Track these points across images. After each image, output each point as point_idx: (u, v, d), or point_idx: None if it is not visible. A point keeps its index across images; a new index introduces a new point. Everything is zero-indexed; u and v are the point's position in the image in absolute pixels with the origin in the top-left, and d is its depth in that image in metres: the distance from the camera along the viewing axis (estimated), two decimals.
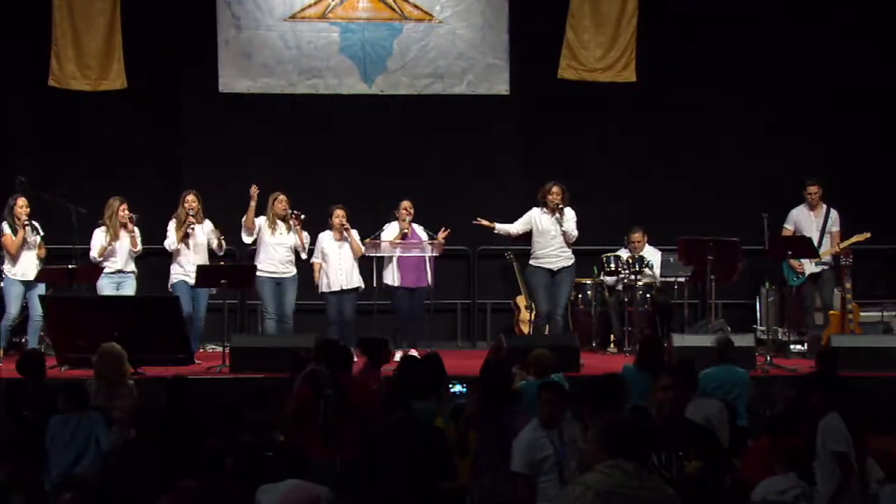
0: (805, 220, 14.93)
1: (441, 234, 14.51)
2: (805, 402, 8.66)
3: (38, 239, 14.15)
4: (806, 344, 14.91)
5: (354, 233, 14.51)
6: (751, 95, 16.85)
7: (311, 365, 10.51)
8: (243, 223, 14.36)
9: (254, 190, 14.25)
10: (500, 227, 14.81)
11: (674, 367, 8.01)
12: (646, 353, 10.89)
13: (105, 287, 14.07)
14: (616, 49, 16.83)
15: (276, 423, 9.81)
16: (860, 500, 7.76)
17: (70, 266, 13.94)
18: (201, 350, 14.15)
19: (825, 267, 14.80)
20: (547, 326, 14.63)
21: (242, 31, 16.70)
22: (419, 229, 14.64)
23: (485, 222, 14.82)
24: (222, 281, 13.70)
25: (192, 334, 14.00)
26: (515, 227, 14.73)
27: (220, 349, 13.77)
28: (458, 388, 10.28)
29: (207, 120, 16.72)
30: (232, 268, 14.34)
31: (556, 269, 14.46)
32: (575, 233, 14.40)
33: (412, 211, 14.59)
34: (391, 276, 14.60)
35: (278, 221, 14.36)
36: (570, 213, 14.42)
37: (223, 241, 14.38)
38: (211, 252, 14.42)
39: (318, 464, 8.43)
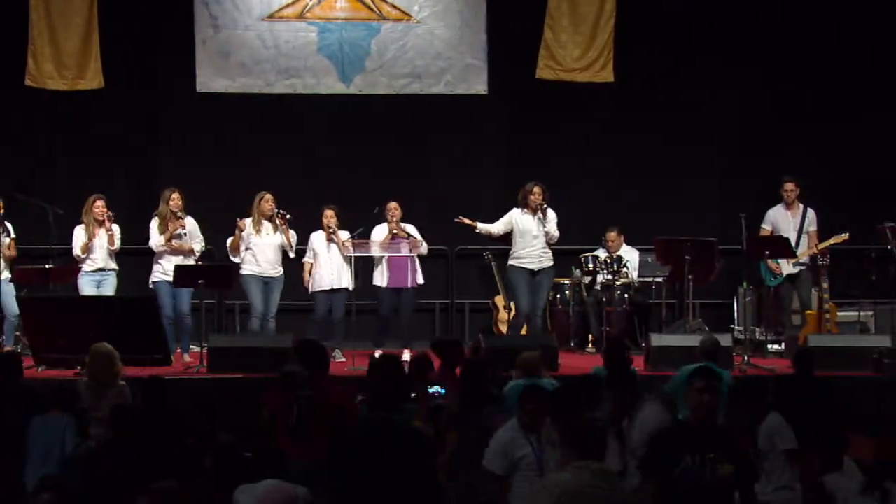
0: (782, 219, 14.96)
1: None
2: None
3: (8, 240, 14.08)
4: (783, 344, 14.95)
5: (344, 234, 14.49)
6: (729, 95, 16.90)
7: (287, 366, 10.53)
8: (229, 246, 14.30)
9: (241, 223, 14.19)
10: (482, 227, 14.80)
11: (705, 369, 7.97)
12: (609, 353, 10.94)
13: (85, 286, 14.01)
14: (594, 49, 16.86)
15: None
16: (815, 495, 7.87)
17: (46, 266, 13.90)
18: (193, 349, 14.03)
19: (802, 268, 14.84)
20: (525, 326, 14.63)
21: (220, 31, 16.67)
22: (412, 230, 14.62)
23: (466, 221, 14.81)
24: (200, 281, 13.65)
25: (180, 333, 14.05)
26: (496, 228, 14.72)
27: (197, 349, 13.73)
28: (436, 388, 10.27)
29: (185, 120, 16.70)
30: (210, 268, 14.27)
31: (536, 270, 14.44)
32: (557, 233, 14.39)
33: (399, 211, 14.58)
34: (380, 277, 14.60)
35: (265, 221, 14.31)
36: (551, 214, 14.40)
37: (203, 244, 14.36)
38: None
39: (293, 464, 8.42)
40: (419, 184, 16.52)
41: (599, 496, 6.44)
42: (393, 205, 14.59)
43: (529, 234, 14.41)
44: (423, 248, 14.48)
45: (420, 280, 14.67)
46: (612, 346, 11.16)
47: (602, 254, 15.69)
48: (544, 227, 14.33)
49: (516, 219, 14.50)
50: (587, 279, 15.69)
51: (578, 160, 16.88)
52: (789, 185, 14.89)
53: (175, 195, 14.17)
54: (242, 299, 14.80)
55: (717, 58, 16.85)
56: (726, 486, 7.08)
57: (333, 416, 9.09)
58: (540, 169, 15.48)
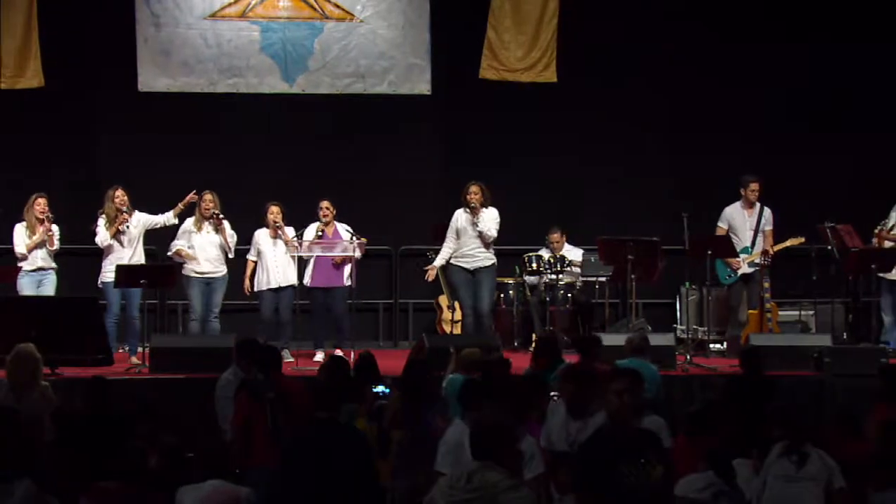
0: (739, 218, 14.98)
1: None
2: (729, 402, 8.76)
3: None
4: (725, 343, 15.02)
5: (290, 230, 14.42)
6: (674, 94, 16.96)
7: (233, 367, 10.49)
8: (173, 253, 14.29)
9: (185, 253, 14.14)
10: (441, 256, 14.56)
11: (626, 370, 7.97)
12: (539, 353, 10.96)
13: (25, 286, 13.87)
14: (537, 49, 16.90)
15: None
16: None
17: None
18: (140, 350, 13.93)
19: (757, 268, 14.89)
20: (473, 325, 14.59)
21: (162, 30, 16.59)
22: (342, 229, 14.57)
23: (431, 270, 14.75)
24: (142, 281, 13.56)
25: (128, 335, 13.95)
26: (449, 240, 14.54)
27: (139, 349, 13.64)
28: (380, 388, 10.26)
29: (127, 119, 16.57)
30: (152, 267, 14.20)
31: (472, 269, 14.34)
32: (491, 233, 14.23)
33: (332, 210, 14.51)
34: (308, 277, 14.56)
35: (205, 221, 14.24)
36: (491, 213, 14.30)
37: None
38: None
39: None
40: (362, 183, 16.48)
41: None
42: (325, 203, 14.51)
43: (466, 233, 14.31)
44: (357, 251, 14.37)
45: (348, 281, 14.51)
46: (541, 345, 11.27)
47: (545, 253, 15.72)
48: (476, 226, 14.27)
49: (457, 217, 14.41)
50: (532, 279, 15.71)
51: (521, 160, 16.89)
52: (754, 185, 14.90)
53: (119, 192, 14.05)
54: (185, 299, 14.70)
55: (661, 57, 16.91)
56: (662, 489, 7.09)
57: (303, 413, 9.08)
58: (483, 169, 15.45)
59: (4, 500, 6.91)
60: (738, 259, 14.82)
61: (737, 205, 15.05)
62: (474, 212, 14.18)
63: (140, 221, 14.14)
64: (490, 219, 14.23)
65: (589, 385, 8.70)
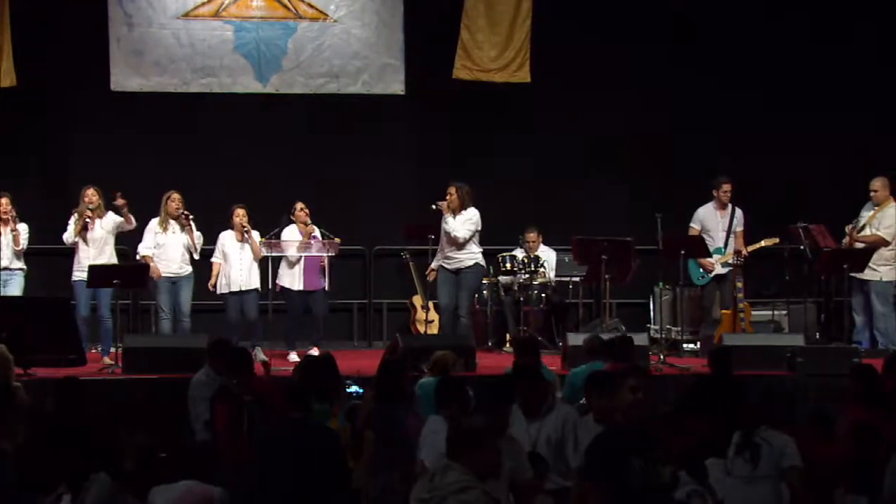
0: (711, 219, 15.05)
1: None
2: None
3: None
4: (699, 343, 15.06)
5: (255, 234, 14.39)
6: (648, 94, 16.97)
7: (206, 368, 10.48)
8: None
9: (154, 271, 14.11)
10: (436, 257, 14.71)
11: (637, 367, 7.97)
12: (520, 353, 10.97)
13: None
14: (511, 49, 16.91)
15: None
16: None
17: None
18: (113, 350, 13.88)
19: (730, 268, 14.93)
20: (450, 325, 14.60)
21: (134, 29, 16.53)
22: (315, 230, 14.57)
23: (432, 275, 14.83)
24: (115, 281, 13.52)
25: (100, 335, 13.87)
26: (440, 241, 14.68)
27: (112, 349, 13.60)
28: (354, 388, 10.25)
29: (99, 118, 16.52)
30: (124, 268, 14.17)
31: (452, 270, 14.40)
32: (457, 234, 14.24)
33: (306, 211, 14.51)
34: (289, 279, 14.50)
35: (171, 220, 14.21)
36: (466, 214, 14.30)
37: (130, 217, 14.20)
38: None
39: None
40: (336, 183, 16.46)
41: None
42: (300, 205, 14.52)
43: (444, 234, 14.40)
44: (331, 251, 14.40)
45: (325, 284, 14.53)
46: (520, 344, 11.28)
47: (520, 254, 15.73)
48: (446, 226, 14.32)
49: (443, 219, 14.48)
50: (506, 279, 15.72)
51: (496, 160, 16.89)
52: (726, 186, 14.98)
53: (90, 191, 14.03)
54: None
55: (635, 58, 16.92)
56: (670, 488, 7.12)
57: (279, 412, 9.08)
58: (457, 169, 15.48)
59: (83, 495, 6.95)
60: (711, 260, 14.87)
61: (709, 206, 15.11)
62: (450, 212, 14.23)
63: (111, 222, 14.10)
64: (463, 220, 14.25)
65: (539, 385, 8.74)
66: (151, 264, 14.03)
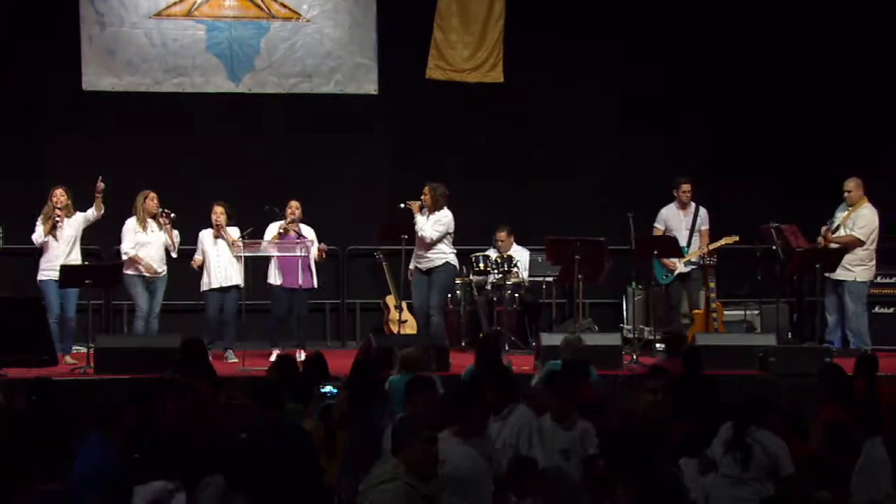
0: (674, 218, 15.14)
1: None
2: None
3: None
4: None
5: (232, 230, 14.38)
6: (620, 94, 16.98)
7: (171, 371, 10.46)
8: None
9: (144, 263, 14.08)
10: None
11: (659, 369, 7.98)
12: (479, 350, 11.00)
13: None
14: (484, 49, 16.93)
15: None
16: None
17: None
18: (77, 350, 13.87)
19: (694, 267, 15.01)
20: (422, 324, 14.62)
21: (106, 29, 16.47)
22: (309, 231, 14.53)
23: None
24: (87, 281, 13.48)
25: (64, 335, 13.84)
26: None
27: (83, 350, 13.56)
28: (328, 388, 10.24)
29: (72, 118, 16.46)
30: (97, 267, 14.14)
31: (425, 270, 14.46)
32: (425, 233, 14.31)
33: (297, 211, 14.51)
34: (273, 276, 14.52)
35: (149, 220, 14.17)
36: (438, 215, 14.34)
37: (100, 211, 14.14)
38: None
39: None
40: (310, 183, 16.41)
41: None
42: (294, 204, 14.53)
43: (417, 234, 14.42)
44: (314, 251, 14.39)
45: (315, 283, 14.58)
46: (484, 342, 11.33)
47: (493, 254, 15.74)
48: (416, 226, 14.35)
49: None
50: (479, 279, 15.72)
51: (468, 160, 16.91)
52: (685, 186, 15.08)
53: (58, 191, 14.02)
54: (130, 299, 14.61)
55: (608, 58, 16.93)
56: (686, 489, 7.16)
57: (219, 416, 9.08)
58: (430, 169, 15.49)
59: (198, 495, 6.92)
60: (674, 259, 14.93)
61: (672, 206, 15.23)
62: (420, 212, 14.25)
63: (77, 221, 14.07)
64: (433, 221, 14.29)
65: (504, 383, 8.75)
66: (144, 262, 14.00)
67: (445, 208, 14.39)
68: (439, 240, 14.33)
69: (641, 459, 6.72)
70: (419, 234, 14.29)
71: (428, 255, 14.42)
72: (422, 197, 14.37)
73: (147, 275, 14.08)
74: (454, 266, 14.65)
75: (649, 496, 6.58)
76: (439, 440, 7.06)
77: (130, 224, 14.21)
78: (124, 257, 14.14)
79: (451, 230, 14.43)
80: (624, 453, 6.81)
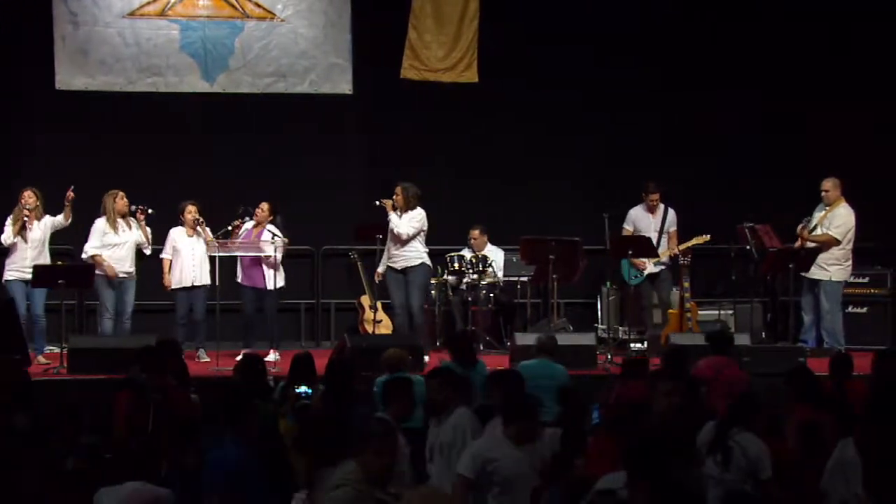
0: (643, 219, 15.19)
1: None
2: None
3: None
4: (646, 342, 15.12)
5: (208, 229, 14.37)
6: (594, 94, 16.98)
7: (135, 370, 10.42)
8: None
9: (105, 263, 14.03)
10: (383, 259, 14.75)
11: (668, 371, 7.98)
12: (454, 350, 11.02)
13: None
14: (458, 49, 16.93)
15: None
16: None
17: None
18: (50, 350, 13.83)
19: (663, 267, 15.07)
20: (405, 324, 14.58)
21: (80, 28, 16.40)
22: (267, 230, 14.48)
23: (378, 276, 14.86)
24: (59, 281, 13.44)
25: (34, 334, 13.80)
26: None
27: (58, 349, 13.53)
28: (303, 388, 10.21)
29: (45, 118, 16.39)
30: (69, 268, 14.10)
31: (400, 269, 14.43)
32: (401, 230, 14.26)
33: (265, 213, 14.50)
34: (240, 275, 14.52)
35: (119, 220, 14.13)
36: (411, 214, 14.32)
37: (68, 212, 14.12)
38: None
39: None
40: (284, 183, 16.37)
41: None
42: (263, 205, 14.54)
43: (391, 233, 14.40)
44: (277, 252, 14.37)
45: (280, 282, 14.53)
46: (455, 340, 11.43)
47: (468, 253, 15.74)
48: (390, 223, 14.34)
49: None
50: (454, 279, 15.71)
51: (443, 160, 16.91)
52: (654, 196, 15.14)
53: (27, 192, 14.04)
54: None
55: (582, 58, 16.93)
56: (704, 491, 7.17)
57: (184, 417, 9.07)
58: (405, 168, 15.46)
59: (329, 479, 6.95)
60: (643, 259, 14.96)
61: (640, 207, 15.29)
62: (395, 211, 14.25)
63: (46, 224, 14.04)
64: (408, 219, 14.27)
65: (445, 386, 8.74)
66: (106, 263, 13.95)
67: (419, 208, 14.38)
68: (414, 236, 14.31)
69: (659, 461, 6.74)
70: (395, 230, 14.27)
71: (403, 252, 14.39)
72: (394, 197, 14.36)
73: (115, 276, 14.04)
74: (429, 266, 14.65)
75: (666, 497, 6.61)
76: (494, 440, 7.31)
77: (100, 225, 14.15)
78: (84, 256, 14.10)
79: (426, 228, 14.42)
80: (642, 454, 6.83)
